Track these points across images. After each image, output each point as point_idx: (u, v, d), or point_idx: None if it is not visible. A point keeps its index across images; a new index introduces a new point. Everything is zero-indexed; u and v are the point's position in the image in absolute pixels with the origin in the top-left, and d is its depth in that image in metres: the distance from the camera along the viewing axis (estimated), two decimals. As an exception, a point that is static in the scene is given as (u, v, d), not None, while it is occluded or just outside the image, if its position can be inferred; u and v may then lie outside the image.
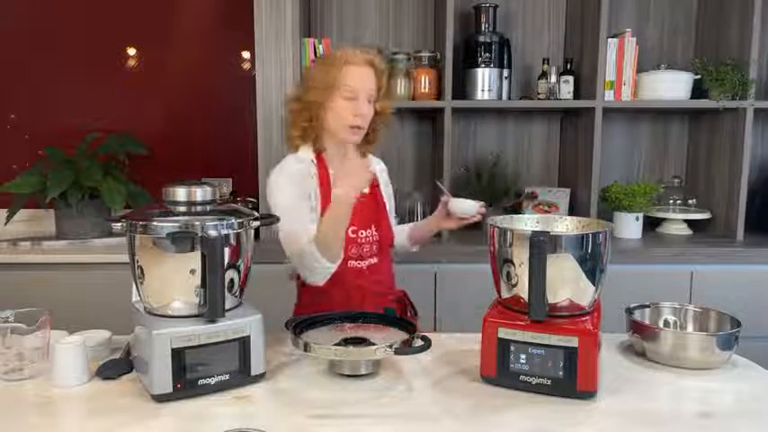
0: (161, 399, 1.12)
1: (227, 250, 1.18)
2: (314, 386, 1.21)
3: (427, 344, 1.20)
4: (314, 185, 1.60)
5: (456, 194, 1.72)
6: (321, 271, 1.53)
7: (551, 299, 1.16)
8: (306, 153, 1.64)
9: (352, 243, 1.60)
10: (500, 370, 1.19)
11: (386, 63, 1.67)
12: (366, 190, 1.63)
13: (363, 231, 1.63)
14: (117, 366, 1.26)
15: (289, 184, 1.59)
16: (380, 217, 1.68)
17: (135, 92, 2.78)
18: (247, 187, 2.67)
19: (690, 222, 2.68)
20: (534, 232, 1.13)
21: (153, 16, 2.75)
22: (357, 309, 1.51)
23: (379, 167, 1.77)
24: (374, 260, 1.65)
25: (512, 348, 1.18)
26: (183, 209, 1.21)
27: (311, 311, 1.41)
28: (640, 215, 2.56)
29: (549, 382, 1.16)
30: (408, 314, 1.71)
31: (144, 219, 1.17)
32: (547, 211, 2.67)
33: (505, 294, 1.24)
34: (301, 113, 1.63)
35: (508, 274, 1.21)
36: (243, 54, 2.79)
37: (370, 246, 1.64)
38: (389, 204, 1.76)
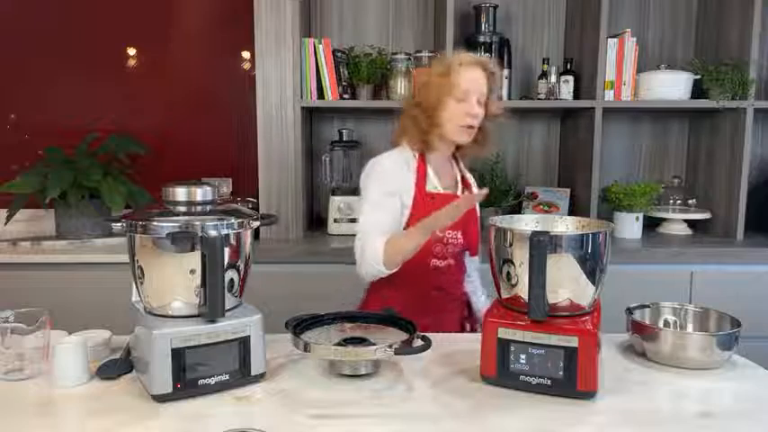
0: (161, 399, 1.12)
1: (227, 250, 1.18)
2: (314, 386, 1.21)
3: (427, 344, 1.20)
4: (410, 180, 1.63)
5: None
6: (375, 272, 1.56)
7: (551, 299, 1.16)
8: (408, 149, 1.67)
9: (439, 242, 1.65)
10: (500, 370, 1.19)
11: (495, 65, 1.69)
12: (459, 192, 1.70)
13: (451, 232, 1.66)
14: (117, 366, 1.26)
15: (382, 177, 1.63)
16: (468, 221, 1.69)
17: (135, 92, 2.78)
18: (247, 187, 2.67)
19: (690, 222, 2.68)
20: (534, 232, 1.13)
21: (153, 16, 2.75)
22: (431, 309, 1.63)
23: (469, 175, 1.81)
24: (452, 261, 1.69)
25: (512, 348, 1.18)
26: (182, 209, 1.21)
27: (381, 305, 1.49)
28: (640, 215, 2.56)
29: (549, 382, 1.16)
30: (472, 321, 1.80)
31: (144, 219, 1.17)
32: (547, 211, 2.67)
33: (505, 294, 1.24)
34: (416, 116, 1.65)
35: (508, 274, 1.21)
36: (243, 54, 2.79)
37: (454, 247, 1.68)
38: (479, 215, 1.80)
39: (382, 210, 1.60)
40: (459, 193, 1.71)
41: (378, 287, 1.66)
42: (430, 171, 1.67)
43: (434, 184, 1.67)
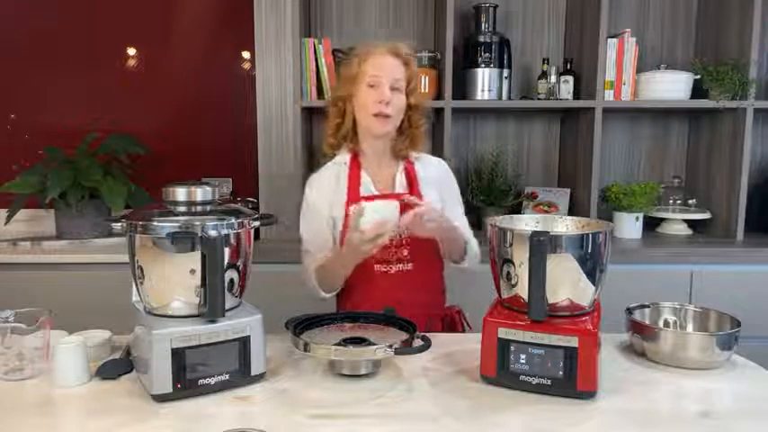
0: (161, 399, 1.12)
1: (227, 250, 1.18)
2: (314, 386, 1.21)
3: (427, 344, 1.20)
4: (340, 192, 1.59)
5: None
6: (317, 295, 1.61)
7: (551, 299, 1.16)
8: (342, 155, 1.64)
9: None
10: (500, 370, 1.19)
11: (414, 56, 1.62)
12: (397, 190, 1.59)
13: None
14: (117, 366, 1.26)
15: (315, 198, 1.62)
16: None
17: (135, 92, 2.78)
18: (247, 187, 2.67)
19: (690, 222, 2.68)
20: (534, 232, 1.13)
21: (153, 16, 2.75)
22: None
23: (433, 168, 1.68)
24: (407, 266, 1.56)
25: (512, 348, 1.18)
26: (183, 209, 1.21)
27: None
28: (640, 215, 2.56)
29: (549, 382, 1.16)
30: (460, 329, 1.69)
31: (144, 219, 1.17)
32: (547, 211, 2.67)
33: (505, 294, 1.24)
34: (332, 112, 1.63)
35: (508, 274, 1.21)
36: (243, 54, 2.79)
37: (396, 249, 1.55)
38: (449, 206, 1.63)
39: (317, 231, 1.61)
40: (397, 191, 1.60)
41: (346, 300, 1.64)
42: (363, 173, 1.60)
43: (368, 187, 1.60)
